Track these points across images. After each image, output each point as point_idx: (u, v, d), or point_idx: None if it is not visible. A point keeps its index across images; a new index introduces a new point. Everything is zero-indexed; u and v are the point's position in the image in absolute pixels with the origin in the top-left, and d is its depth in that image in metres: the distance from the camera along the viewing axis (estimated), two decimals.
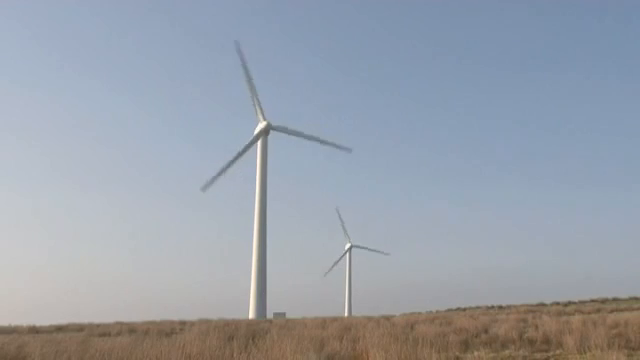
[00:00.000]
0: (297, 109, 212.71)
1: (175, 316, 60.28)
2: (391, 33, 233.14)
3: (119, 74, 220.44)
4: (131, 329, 34.16)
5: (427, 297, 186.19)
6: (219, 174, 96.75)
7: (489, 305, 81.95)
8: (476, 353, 16.81)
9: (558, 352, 16.61)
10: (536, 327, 23.06)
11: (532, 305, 71.87)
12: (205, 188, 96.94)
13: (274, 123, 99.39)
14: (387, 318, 45.41)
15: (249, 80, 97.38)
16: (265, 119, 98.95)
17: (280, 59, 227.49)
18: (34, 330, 38.55)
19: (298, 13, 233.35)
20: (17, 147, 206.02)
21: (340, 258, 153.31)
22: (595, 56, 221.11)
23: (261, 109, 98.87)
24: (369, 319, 42.86)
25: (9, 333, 35.32)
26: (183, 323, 42.78)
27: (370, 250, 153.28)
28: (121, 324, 41.45)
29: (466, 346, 18.56)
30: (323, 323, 33.90)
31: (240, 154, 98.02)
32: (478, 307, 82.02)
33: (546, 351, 17.00)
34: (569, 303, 71.66)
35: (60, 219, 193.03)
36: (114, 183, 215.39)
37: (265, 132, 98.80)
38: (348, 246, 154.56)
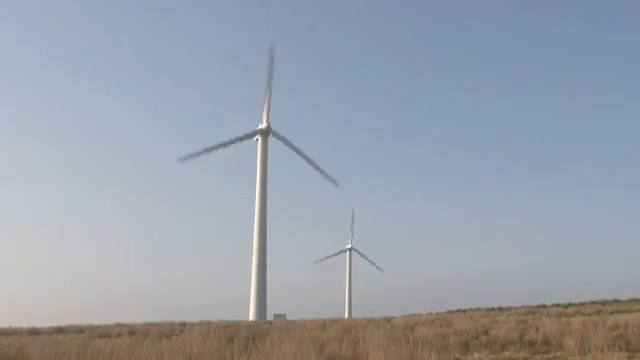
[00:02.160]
0: (295, 109, 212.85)
1: (175, 318, 60.32)
2: (389, 34, 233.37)
3: (121, 76, 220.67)
4: (131, 330, 34.13)
5: (427, 299, 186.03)
6: (203, 152, 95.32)
7: (489, 307, 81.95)
8: (476, 355, 16.82)
9: (558, 354, 16.60)
10: (536, 329, 23.02)
11: (532, 307, 71.83)
12: (183, 160, 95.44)
13: (277, 130, 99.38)
14: (387, 320, 45.38)
15: (269, 81, 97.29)
16: (267, 122, 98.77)
17: (278, 59, 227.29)
18: (34, 332, 38.57)
19: (294, 15, 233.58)
20: (17, 148, 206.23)
21: (336, 253, 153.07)
22: (597, 57, 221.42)
23: (268, 111, 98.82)
24: (369, 321, 42.85)
25: (9, 335, 35.32)
26: (183, 325, 42.77)
27: (367, 259, 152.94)
28: (121, 325, 41.44)
29: (466, 348, 18.55)
30: (323, 325, 33.85)
31: (231, 142, 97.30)
32: (478, 309, 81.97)
33: (546, 353, 16.98)
34: (569, 305, 71.55)
35: (60, 220, 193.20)
36: (114, 184, 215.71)
37: (265, 134, 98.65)
38: (348, 247, 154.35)
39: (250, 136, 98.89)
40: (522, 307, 72.89)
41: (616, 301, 74.04)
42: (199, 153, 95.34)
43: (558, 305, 71.70)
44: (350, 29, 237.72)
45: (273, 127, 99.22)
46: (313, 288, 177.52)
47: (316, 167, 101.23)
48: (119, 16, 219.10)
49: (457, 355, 16.59)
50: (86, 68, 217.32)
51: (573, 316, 41.12)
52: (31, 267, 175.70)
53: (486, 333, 22.69)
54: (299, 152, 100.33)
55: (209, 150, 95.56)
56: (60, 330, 39.45)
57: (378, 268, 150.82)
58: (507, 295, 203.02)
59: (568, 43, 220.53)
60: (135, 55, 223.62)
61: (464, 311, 78.72)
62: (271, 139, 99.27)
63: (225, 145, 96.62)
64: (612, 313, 45.69)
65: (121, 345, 13.90)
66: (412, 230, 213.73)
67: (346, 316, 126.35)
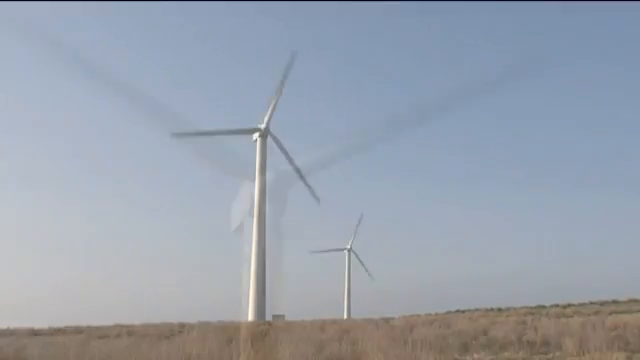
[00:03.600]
0: (291, 108, 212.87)
1: (174, 319, 60.12)
2: (387, 32, 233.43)
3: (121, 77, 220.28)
4: (130, 332, 34.14)
5: (426, 299, 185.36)
6: (197, 134, 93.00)
7: (488, 307, 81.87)
8: (475, 355, 16.83)
9: (557, 354, 16.62)
10: (535, 329, 23.04)
11: (531, 307, 71.76)
12: (176, 135, 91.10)
13: (275, 133, 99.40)
14: (386, 320, 45.38)
15: (282, 86, 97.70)
16: (267, 123, 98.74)
17: (275, 59, 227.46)
18: (33, 332, 38.49)
19: (293, 14, 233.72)
20: (16, 148, 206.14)
21: (334, 250, 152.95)
22: (596, 56, 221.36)
23: (272, 113, 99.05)
24: (368, 321, 42.85)
25: (8, 335, 35.28)
26: (182, 326, 42.72)
27: (361, 264, 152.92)
28: (120, 327, 41.38)
29: (465, 348, 18.56)
30: (322, 325, 33.85)
31: (228, 132, 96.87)
32: (477, 309, 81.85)
33: (545, 353, 17.00)
34: (568, 305, 71.48)
35: (59, 221, 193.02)
36: (113, 185, 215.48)
37: (264, 134, 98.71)
38: (347, 247, 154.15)
39: (248, 132, 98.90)
40: (521, 308, 72.83)
41: (615, 302, 73.96)
42: (193, 134, 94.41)
43: (557, 306, 71.65)
44: (347, 27, 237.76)
45: (272, 128, 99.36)
46: (313, 289, 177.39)
47: (302, 177, 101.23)
48: (119, 15, 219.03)
49: (456, 356, 16.61)
50: (86, 69, 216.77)
51: (572, 317, 41.14)
52: (31, 268, 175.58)
53: (485, 334, 22.71)
54: (290, 160, 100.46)
55: (204, 134, 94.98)
56: (59, 331, 39.39)
57: (370, 275, 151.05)
58: (506, 296, 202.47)
59: (567, 43, 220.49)
60: (135, 55, 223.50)
61: (463, 312, 78.61)
62: (269, 140, 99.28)
63: (221, 134, 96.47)
64: (611, 314, 45.68)
65: (120, 346, 13.92)
66: (411, 230, 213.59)
67: (345, 317, 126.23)
